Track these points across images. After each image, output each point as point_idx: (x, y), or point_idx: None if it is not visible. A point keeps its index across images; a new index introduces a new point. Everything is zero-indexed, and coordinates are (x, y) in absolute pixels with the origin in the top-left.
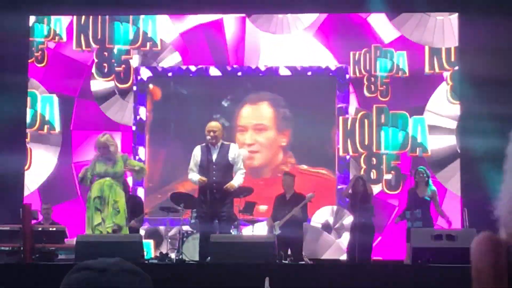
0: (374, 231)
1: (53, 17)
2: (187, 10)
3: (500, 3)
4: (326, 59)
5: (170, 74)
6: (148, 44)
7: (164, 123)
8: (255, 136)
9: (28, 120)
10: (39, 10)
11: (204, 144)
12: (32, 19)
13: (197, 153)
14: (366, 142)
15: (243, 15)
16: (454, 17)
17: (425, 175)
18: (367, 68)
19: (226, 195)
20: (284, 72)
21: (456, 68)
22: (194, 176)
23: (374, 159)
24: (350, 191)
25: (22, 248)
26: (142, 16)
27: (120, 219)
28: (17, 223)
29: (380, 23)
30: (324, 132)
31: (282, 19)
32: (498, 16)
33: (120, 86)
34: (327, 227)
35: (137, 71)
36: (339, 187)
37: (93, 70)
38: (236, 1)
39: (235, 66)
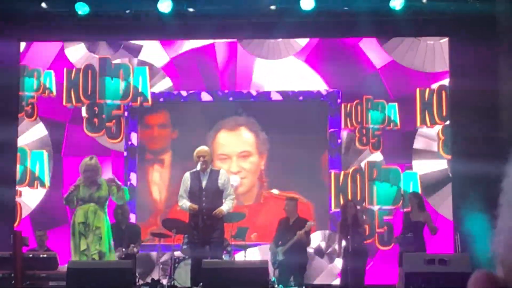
0: (367, 255)
1: (43, 71)
2: (178, 36)
3: (488, 27)
4: (317, 84)
5: (161, 99)
6: (138, 99)
7: (156, 148)
8: (241, 163)
9: (17, 176)
10: (28, 36)
11: (193, 170)
12: (22, 45)
13: (186, 179)
14: (358, 197)
15: (235, 40)
16: (444, 42)
17: (417, 199)
18: (359, 120)
19: (217, 221)
20: (275, 96)
21: (448, 122)
22: (185, 203)
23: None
24: (341, 215)
25: (12, 275)
26: (132, 71)
27: (102, 246)
28: (8, 250)
29: (371, 48)
30: (313, 156)
31: (273, 44)
32: (488, 39)
33: (111, 141)
34: (319, 252)
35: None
36: (331, 211)
37: (84, 125)
38: (227, 26)
39: (226, 91)
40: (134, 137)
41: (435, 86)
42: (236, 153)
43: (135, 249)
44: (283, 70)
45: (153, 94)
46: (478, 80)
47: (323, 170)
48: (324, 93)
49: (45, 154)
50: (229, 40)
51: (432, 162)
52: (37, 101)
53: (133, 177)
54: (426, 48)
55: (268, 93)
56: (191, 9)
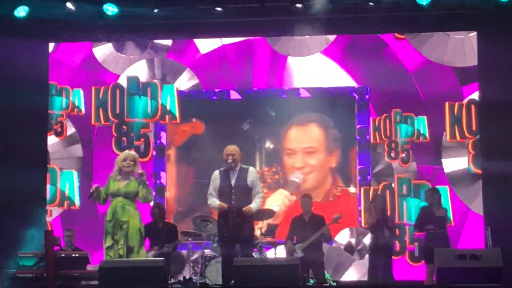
0: (392, 251)
1: (71, 89)
2: (205, 34)
3: None
4: (345, 81)
5: (189, 98)
6: (167, 117)
7: (186, 148)
8: (306, 158)
9: (48, 196)
10: (58, 37)
11: (222, 168)
12: (51, 46)
13: (216, 177)
14: (388, 213)
15: (262, 37)
16: (473, 36)
17: (438, 195)
18: (388, 134)
19: (246, 219)
20: (304, 93)
21: (478, 137)
22: (214, 201)
23: (397, 230)
24: (370, 210)
25: (45, 275)
26: (160, 89)
27: (131, 240)
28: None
29: (400, 44)
30: (344, 153)
31: (301, 41)
32: None
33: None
34: (349, 248)
35: None
36: (359, 207)
37: (112, 144)
38: (255, 24)
39: (255, 89)
40: (163, 136)
41: (464, 101)
42: (301, 148)
43: (169, 249)
44: (311, 67)
45: (180, 92)
46: (509, 75)
47: (351, 165)
48: (352, 89)
49: (75, 173)
50: (257, 37)
51: (464, 159)
52: (66, 119)
53: (163, 175)
54: (455, 43)
55: (297, 90)
56: (218, 8)
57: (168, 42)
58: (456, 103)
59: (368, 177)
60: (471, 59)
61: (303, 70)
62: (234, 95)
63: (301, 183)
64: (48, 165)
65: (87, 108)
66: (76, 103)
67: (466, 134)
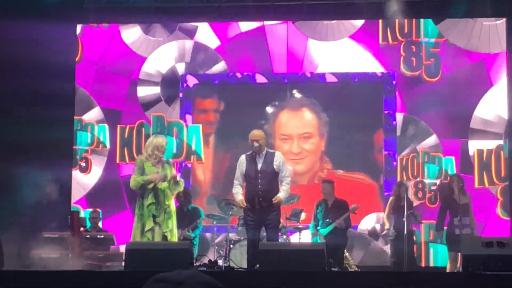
0: (414, 238)
1: (96, 124)
2: (232, 18)
3: None
4: (372, 66)
5: (216, 81)
6: (192, 157)
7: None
8: (302, 144)
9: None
10: (84, 19)
11: (249, 153)
12: (78, 28)
13: (242, 162)
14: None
15: (288, 21)
16: (501, 23)
17: (460, 181)
18: (415, 173)
19: (273, 203)
20: (330, 79)
21: (507, 183)
22: (238, 195)
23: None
24: (393, 198)
25: (70, 255)
26: (185, 129)
27: (171, 223)
28: (66, 230)
29: (426, 29)
30: (368, 138)
31: (327, 26)
32: None
33: None
34: (374, 234)
35: (183, 78)
36: (385, 193)
37: None
38: (281, 7)
39: (280, 72)
40: (189, 119)
41: (492, 145)
42: (297, 134)
43: (188, 233)
44: (338, 51)
45: (206, 75)
46: None
47: (376, 151)
48: (379, 74)
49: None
50: (283, 22)
51: (490, 142)
52: (91, 154)
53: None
54: (481, 29)
55: (323, 74)
56: None
57: (195, 25)
58: (485, 149)
59: (394, 163)
60: (496, 45)
61: (329, 55)
62: (260, 78)
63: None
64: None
65: (112, 142)
66: (101, 139)
67: (495, 180)
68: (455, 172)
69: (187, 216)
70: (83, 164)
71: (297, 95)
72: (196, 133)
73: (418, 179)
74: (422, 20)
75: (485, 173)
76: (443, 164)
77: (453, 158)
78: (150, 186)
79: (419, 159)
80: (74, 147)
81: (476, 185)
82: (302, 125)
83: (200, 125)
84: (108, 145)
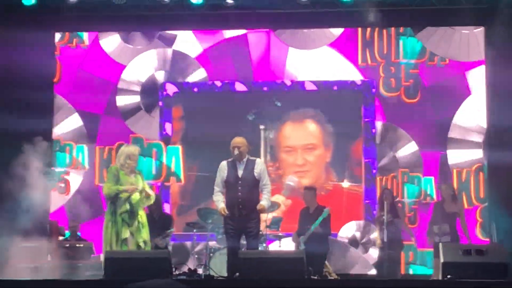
0: (402, 246)
1: (74, 145)
2: (212, 26)
3: None
4: (351, 74)
5: (195, 89)
6: (171, 178)
7: (192, 139)
8: (305, 155)
9: None
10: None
11: (230, 159)
12: (57, 36)
13: (223, 168)
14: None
15: (268, 30)
16: (480, 31)
17: (451, 190)
18: (394, 194)
19: (253, 211)
20: (309, 86)
21: (486, 204)
22: (219, 203)
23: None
24: (378, 204)
25: (49, 265)
26: (165, 150)
27: (146, 234)
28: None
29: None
30: (349, 146)
31: (307, 34)
32: None
33: None
34: (354, 242)
35: (163, 86)
36: (366, 201)
37: None
38: (261, 16)
39: (260, 81)
40: (168, 127)
41: (473, 167)
42: (301, 146)
43: (161, 241)
44: (317, 60)
45: (186, 84)
46: None
47: (356, 159)
48: (359, 83)
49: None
50: (263, 30)
51: (468, 152)
52: (70, 176)
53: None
54: (461, 37)
55: (302, 82)
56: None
57: (175, 33)
58: (464, 169)
59: (374, 171)
60: (475, 54)
61: (308, 63)
62: (240, 86)
63: (296, 185)
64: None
65: (91, 163)
66: (80, 160)
67: (474, 201)
68: (434, 192)
69: (158, 224)
70: (62, 185)
71: (278, 103)
72: (176, 154)
73: (398, 199)
74: (401, 41)
75: (464, 194)
76: (422, 185)
77: (432, 178)
78: (124, 196)
79: (399, 179)
80: (52, 168)
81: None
82: (306, 136)
83: (180, 147)
84: (87, 166)
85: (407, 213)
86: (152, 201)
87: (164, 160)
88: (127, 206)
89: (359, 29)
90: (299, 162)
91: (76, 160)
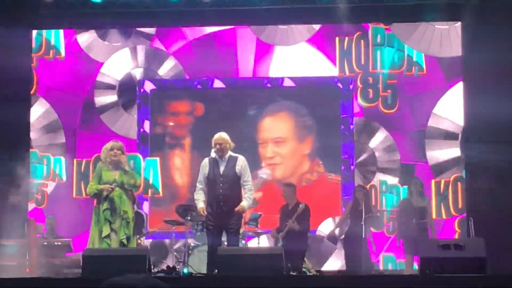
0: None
1: (52, 157)
2: (191, 23)
3: (501, 10)
4: (329, 70)
5: (176, 86)
6: (149, 191)
7: (171, 136)
8: (275, 148)
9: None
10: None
11: (212, 156)
12: (34, 33)
13: (205, 165)
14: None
15: (247, 26)
16: (456, 27)
17: (418, 185)
18: (373, 203)
19: (234, 208)
20: (288, 83)
21: (464, 215)
22: (199, 202)
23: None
24: (351, 202)
25: (27, 263)
26: (143, 162)
27: (129, 230)
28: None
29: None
30: (329, 142)
31: (285, 30)
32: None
33: None
34: (332, 238)
35: (140, 83)
36: (344, 197)
37: None
38: (240, 13)
39: (239, 78)
40: (146, 125)
41: (451, 177)
42: (272, 139)
43: (139, 240)
44: (295, 56)
45: (164, 81)
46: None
47: (334, 155)
48: (336, 79)
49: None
50: (241, 26)
51: (447, 150)
52: (47, 187)
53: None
54: (441, 33)
55: (281, 79)
56: None
57: (152, 30)
58: (442, 180)
59: (352, 167)
60: (456, 49)
61: (288, 60)
62: (218, 83)
63: (269, 178)
64: None
65: (68, 175)
66: (57, 171)
67: (453, 212)
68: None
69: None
70: (39, 197)
71: (256, 100)
72: (154, 166)
73: (377, 208)
74: (379, 52)
75: (443, 205)
76: (400, 194)
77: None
78: (104, 194)
79: (377, 189)
80: (30, 180)
81: (433, 216)
82: (277, 130)
83: (158, 158)
84: (64, 178)
85: (386, 223)
86: (138, 189)
87: (142, 172)
88: (108, 204)
89: (337, 39)
90: (268, 155)
91: (54, 172)
